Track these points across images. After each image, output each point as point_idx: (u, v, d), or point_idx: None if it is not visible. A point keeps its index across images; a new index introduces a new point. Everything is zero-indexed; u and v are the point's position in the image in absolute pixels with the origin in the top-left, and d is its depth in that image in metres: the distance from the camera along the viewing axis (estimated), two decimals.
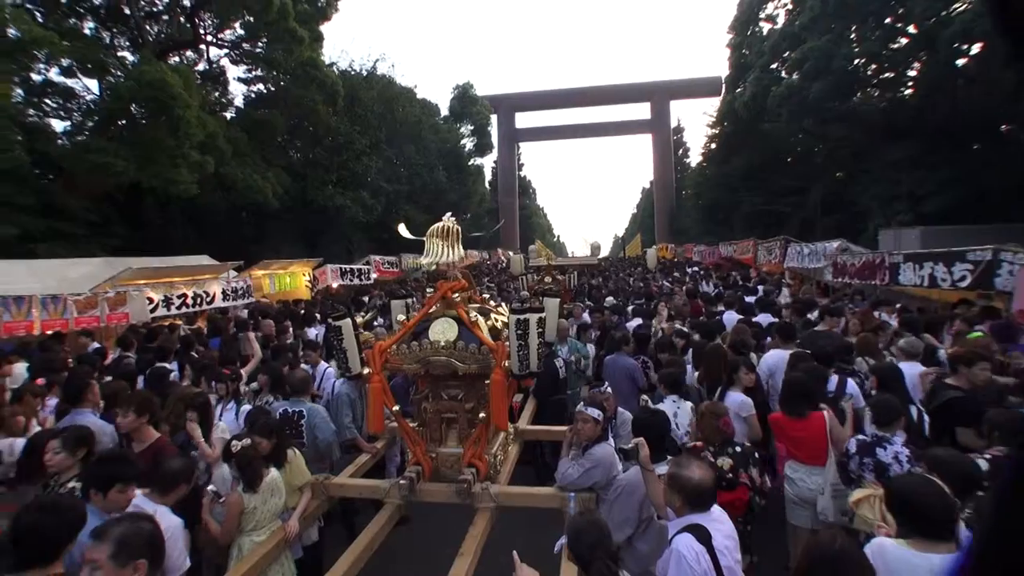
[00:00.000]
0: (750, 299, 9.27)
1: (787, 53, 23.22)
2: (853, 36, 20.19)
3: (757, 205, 26.41)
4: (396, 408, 3.57)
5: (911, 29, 18.69)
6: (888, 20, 19.11)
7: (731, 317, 7.70)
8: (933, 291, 8.64)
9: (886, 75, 20.53)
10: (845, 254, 11.26)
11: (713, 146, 33.55)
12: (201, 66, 22.92)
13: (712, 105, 34.07)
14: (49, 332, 7.67)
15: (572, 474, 3.33)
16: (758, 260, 16.70)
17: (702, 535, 2.24)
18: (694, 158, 46.50)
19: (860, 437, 3.33)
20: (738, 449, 3.37)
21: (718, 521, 2.37)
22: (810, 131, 23.80)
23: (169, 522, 2.51)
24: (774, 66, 24.85)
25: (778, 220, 24.11)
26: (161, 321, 9.50)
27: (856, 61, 19.88)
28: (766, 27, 27.68)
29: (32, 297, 7.60)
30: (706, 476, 2.35)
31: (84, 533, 2.11)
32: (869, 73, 20.57)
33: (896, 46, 19.39)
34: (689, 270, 19.18)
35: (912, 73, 19.88)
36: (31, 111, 16.04)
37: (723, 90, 33.79)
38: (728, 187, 29.15)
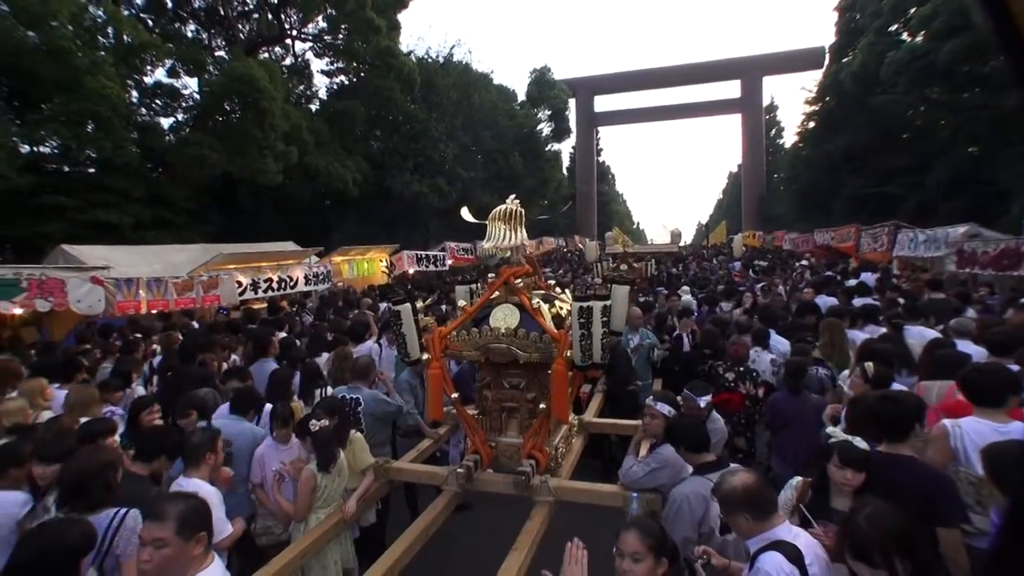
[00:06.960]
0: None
1: (912, 10, 20.19)
2: None
3: (862, 188, 23.82)
4: (455, 395, 3.50)
5: None
6: None
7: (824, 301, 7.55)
8: None
9: None
10: (975, 240, 9.67)
11: (812, 124, 30.94)
12: (288, 61, 24.29)
13: (812, 79, 31.33)
14: (154, 311, 8.34)
15: (636, 472, 3.12)
16: (861, 248, 15.07)
17: (792, 553, 1.96)
18: (788, 138, 43.47)
19: None
20: (741, 369, 4.84)
21: (802, 536, 2.10)
22: (936, 100, 20.85)
23: (206, 491, 2.66)
24: (893, 28, 21.97)
25: (888, 204, 21.34)
26: (250, 303, 10.08)
27: None
28: None
29: (139, 279, 8.28)
30: (748, 478, 2.14)
31: None
32: None
33: None
34: (799, 264, 16.25)
35: None
36: (143, 110, 17.55)
37: (827, 61, 30.37)
38: (828, 168, 26.70)
